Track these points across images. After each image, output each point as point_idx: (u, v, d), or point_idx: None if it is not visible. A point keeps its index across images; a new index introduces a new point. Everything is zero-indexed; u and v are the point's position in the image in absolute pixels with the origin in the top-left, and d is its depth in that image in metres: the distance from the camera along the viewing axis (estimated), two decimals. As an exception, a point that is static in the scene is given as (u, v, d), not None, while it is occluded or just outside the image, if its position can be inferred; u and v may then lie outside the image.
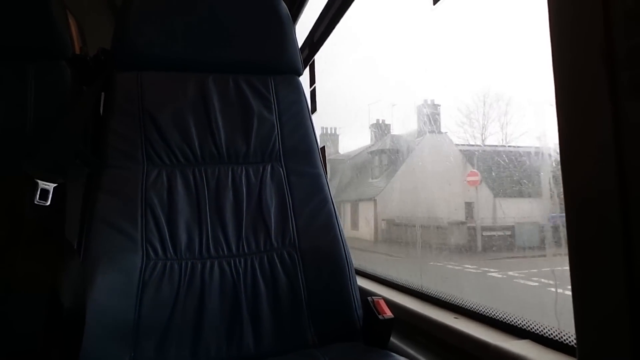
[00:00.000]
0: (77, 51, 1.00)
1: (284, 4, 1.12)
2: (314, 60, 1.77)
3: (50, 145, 0.83)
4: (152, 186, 0.92)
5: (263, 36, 1.08)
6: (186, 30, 1.02)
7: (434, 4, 0.99)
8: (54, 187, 0.80)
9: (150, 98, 0.98)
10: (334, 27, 1.51)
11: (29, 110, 0.90)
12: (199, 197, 0.95)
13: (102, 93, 0.99)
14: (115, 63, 0.99)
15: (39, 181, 0.79)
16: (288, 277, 0.93)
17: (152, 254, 0.87)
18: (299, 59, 1.12)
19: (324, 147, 1.45)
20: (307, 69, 1.80)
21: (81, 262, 0.79)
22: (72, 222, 0.85)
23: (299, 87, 1.11)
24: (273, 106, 1.06)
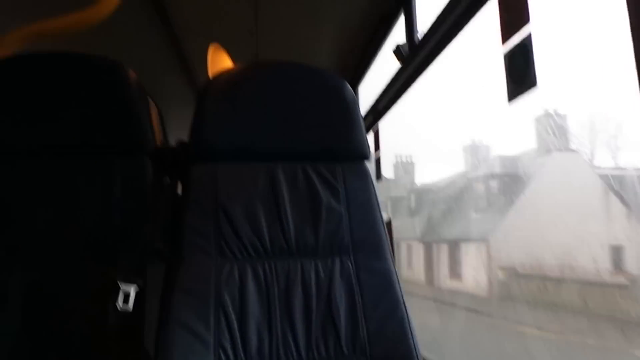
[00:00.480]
0: (159, 142, 1.05)
1: (349, 88, 1.12)
2: (378, 127, 1.76)
3: (132, 248, 0.87)
4: (224, 283, 0.93)
5: (330, 123, 1.08)
6: (257, 121, 1.05)
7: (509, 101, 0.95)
8: (135, 291, 0.83)
9: (224, 190, 1.00)
10: (400, 97, 1.49)
11: (114, 205, 0.95)
12: (269, 295, 0.94)
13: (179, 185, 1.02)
14: (191, 155, 1.03)
15: (121, 284, 0.82)
16: None
17: (222, 357, 0.87)
18: (366, 143, 1.11)
19: (389, 221, 1.41)
20: (372, 135, 1.80)
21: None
22: (151, 320, 0.87)
23: (366, 174, 1.09)
24: (341, 195, 1.05)
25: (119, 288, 0.82)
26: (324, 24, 1.66)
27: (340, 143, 1.08)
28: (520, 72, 0.86)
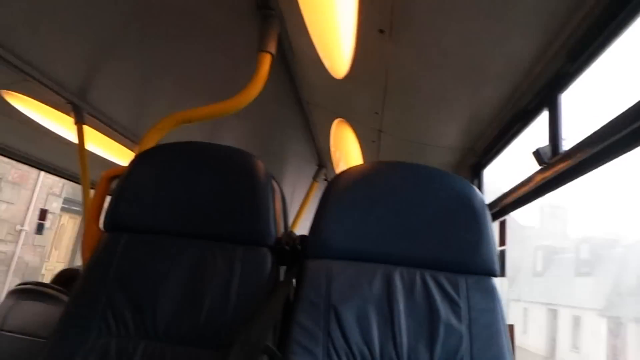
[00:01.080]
0: (280, 232, 1.07)
1: (479, 195, 1.05)
2: (504, 220, 1.62)
3: (244, 345, 0.87)
4: None
5: (457, 232, 1.01)
6: (380, 222, 1.02)
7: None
8: None
9: (337, 291, 0.97)
10: (536, 198, 1.36)
11: (232, 289, 0.98)
12: None
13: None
14: (308, 251, 1.03)
15: None
16: None
17: None
18: (496, 258, 1.01)
19: (512, 325, 1.25)
20: (497, 226, 1.65)
21: None
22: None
23: (494, 293, 0.98)
24: (462, 312, 0.96)
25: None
26: (454, 109, 1.61)
27: (466, 255, 1.00)
28: None
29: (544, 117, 1.27)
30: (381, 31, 1.19)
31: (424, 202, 1.03)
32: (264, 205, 1.04)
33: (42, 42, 1.62)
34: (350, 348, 0.92)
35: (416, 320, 0.95)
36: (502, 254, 1.62)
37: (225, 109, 1.30)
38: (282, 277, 1.05)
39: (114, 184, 1.14)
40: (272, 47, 1.29)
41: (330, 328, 0.94)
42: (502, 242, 1.62)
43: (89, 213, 1.13)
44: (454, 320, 0.95)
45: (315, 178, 2.85)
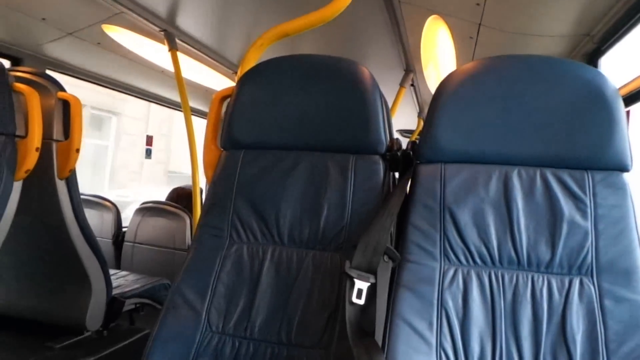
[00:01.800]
0: (389, 139, 1.08)
1: (611, 84, 0.95)
2: (628, 111, 1.46)
3: (366, 246, 0.93)
4: (448, 287, 0.93)
5: (584, 123, 0.94)
6: (494, 120, 0.98)
7: None
8: (367, 286, 0.90)
9: (451, 193, 0.98)
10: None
11: (348, 196, 1.04)
12: (494, 306, 0.91)
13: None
14: (420, 155, 1.03)
15: (356, 280, 0.90)
16: None
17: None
18: (629, 152, 0.94)
19: None
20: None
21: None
22: (380, 314, 0.94)
23: (624, 188, 0.93)
24: (589, 210, 0.92)
25: (353, 282, 0.90)
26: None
27: (594, 149, 0.94)
28: None
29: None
30: None
31: (546, 95, 0.96)
32: (375, 114, 1.05)
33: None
34: (467, 247, 0.95)
35: (536, 218, 0.94)
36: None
37: (321, 18, 1.27)
38: (395, 181, 1.08)
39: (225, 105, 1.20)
40: None
41: (446, 229, 0.96)
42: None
43: (207, 133, 1.21)
44: (578, 217, 0.92)
45: (402, 84, 2.75)
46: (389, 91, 2.91)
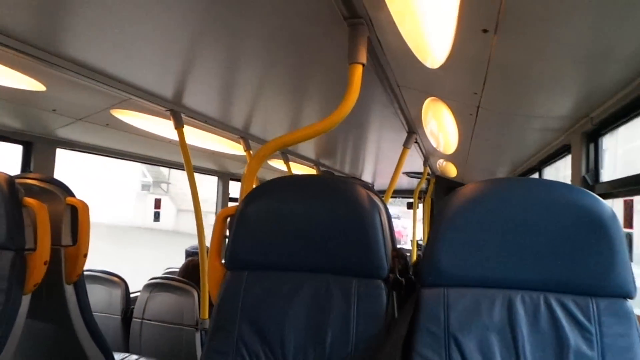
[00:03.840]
0: (392, 262, 1.09)
1: (608, 208, 0.95)
2: (632, 201, 1.47)
3: None
4: None
5: (584, 250, 0.94)
6: (497, 245, 0.98)
7: None
8: None
9: (455, 320, 0.97)
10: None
11: (352, 322, 1.04)
12: None
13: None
14: (423, 279, 1.03)
15: None
16: None
17: None
18: (632, 278, 0.93)
19: None
20: (622, 204, 1.51)
21: None
22: None
23: (629, 316, 0.92)
24: (594, 339, 0.91)
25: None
26: (565, 88, 1.44)
27: (596, 276, 0.94)
28: None
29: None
30: (485, 30, 1.08)
31: (546, 220, 0.97)
32: (375, 238, 1.06)
33: (134, 62, 1.72)
34: None
35: (542, 347, 0.93)
36: (629, 237, 1.49)
37: (322, 128, 1.30)
38: (396, 304, 1.08)
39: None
40: (363, 57, 1.24)
41: (452, 358, 0.96)
42: (629, 223, 1.49)
43: (211, 252, 1.23)
44: (584, 348, 0.91)
45: (405, 145, 2.78)
46: (394, 149, 2.96)
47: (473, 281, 1.00)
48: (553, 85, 1.47)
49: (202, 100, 2.26)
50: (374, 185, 5.81)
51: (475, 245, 0.99)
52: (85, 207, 1.46)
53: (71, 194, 1.48)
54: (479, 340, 0.95)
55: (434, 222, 1.04)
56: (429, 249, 1.03)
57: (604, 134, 1.67)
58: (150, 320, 2.31)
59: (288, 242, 1.11)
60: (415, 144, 3.03)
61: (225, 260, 1.17)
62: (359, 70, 1.26)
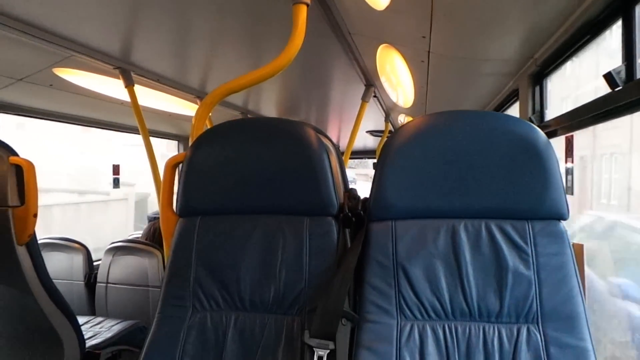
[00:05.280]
0: (342, 198, 1.11)
1: (543, 136, 1.00)
2: (572, 136, 1.54)
3: (323, 313, 0.97)
4: (405, 344, 0.98)
5: (521, 177, 0.99)
6: (441, 176, 1.02)
7: None
8: (327, 353, 0.94)
9: (403, 250, 1.02)
10: (605, 121, 1.27)
11: (305, 259, 1.07)
12: (450, 358, 0.96)
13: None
14: (371, 214, 1.07)
15: (315, 349, 0.94)
16: None
17: None
18: (564, 201, 0.99)
19: (581, 245, 1.26)
20: (564, 140, 1.59)
21: None
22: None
23: (562, 236, 0.98)
24: (530, 259, 0.98)
25: (312, 351, 0.94)
26: (509, 23, 1.47)
27: (532, 200, 0.99)
28: None
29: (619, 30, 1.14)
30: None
31: (485, 150, 1.00)
32: (323, 176, 1.07)
33: (76, 16, 1.63)
34: (421, 302, 0.99)
35: (484, 270, 0.99)
36: (570, 171, 1.57)
37: (269, 72, 1.28)
38: (348, 239, 1.12)
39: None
40: None
41: (400, 286, 1.01)
42: (569, 155, 1.56)
43: (162, 201, 1.22)
44: (521, 267, 0.98)
45: (364, 98, 2.79)
46: (354, 104, 2.96)
47: (419, 213, 1.04)
48: (497, 26, 1.50)
49: (153, 56, 2.18)
50: (339, 147, 5.83)
51: (420, 177, 1.03)
52: (30, 166, 1.41)
53: (15, 154, 1.42)
54: (426, 267, 1.01)
55: (380, 158, 1.07)
56: (376, 184, 1.06)
57: (547, 75, 1.73)
58: (114, 283, 2.30)
59: (239, 185, 1.12)
60: (375, 99, 3.04)
61: (176, 208, 1.17)
62: (303, 11, 1.24)
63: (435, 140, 1.03)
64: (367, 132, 4.96)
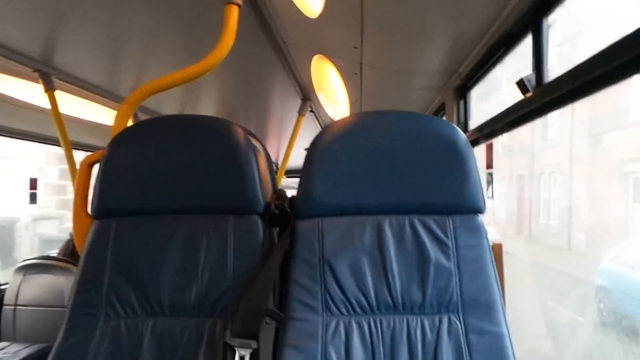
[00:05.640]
0: (269, 196, 1.09)
1: (462, 136, 1.05)
2: (491, 144, 1.63)
3: (246, 312, 0.93)
4: (331, 341, 0.96)
5: (442, 174, 1.03)
6: (366, 174, 1.03)
7: None
8: (249, 353, 0.90)
9: (329, 246, 1.01)
10: (520, 126, 1.36)
11: (229, 259, 1.02)
12: (375, 352, 0.95)
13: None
14: (298, 211, 1.05)
15: (237, 349, 0.89)
16: None
17: None
18: (481, 196, 1.04)
19: (500, 244, 1.32)
20: (484, 148, 1.68)
21: None
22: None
23: (480, 229, 1.03)
24: (451, 252, 1.01)
25: (234, 351, 0.89)
26: (435, 35, 1.55)
27: (452, 196, 1.03)
28: None
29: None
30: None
31: (409, 149, 1.03)
32: (249, 174, 1.05)
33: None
34: (347, 298, 0.98)
35: (407, 264, 1.00)
36: (490, 175, 1.66)
37: (199, 71, 1.25)
38: (276, 238, 1.09)
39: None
40: None
41: (326, 282, 0.99)
42: (490, 164, 1.65)
43: (75, 201, 1.13)
44: (443, 260, 1.00)
45: (300, 112, 2.81)
46: (292, 118, 2.97)
47: (345, 210, 1.04)
48: (424, 38, 1.57)
49: (77, 59, 2.06)
50: (277, 164, 5.81)
51: (346, 175, 1.03)
52: None
53: None
54: (352, 263, 1.00)
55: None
56: (303, 182, 1.05)
57: (470, 87, 1.84)
58: (25, 305, 2.09)
59: (161, 184, 1.06)
60: (312, 114, 3.07)
61: (91, 209, 1.08)
62: (234, 12, 1.23)
63: (362, 139, 1.04)
64: (305, 149, 4.99)
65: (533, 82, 1.18)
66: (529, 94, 1.19)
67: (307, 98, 2.73)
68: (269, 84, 2.48)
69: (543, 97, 1.13)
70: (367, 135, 1.04)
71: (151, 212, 1.06)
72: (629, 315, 4.14)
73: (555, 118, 7.81)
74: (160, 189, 1.06)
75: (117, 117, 1.25)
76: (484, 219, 1.05)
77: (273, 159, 5.75)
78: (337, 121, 1.08)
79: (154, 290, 1.01)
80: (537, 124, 8.31)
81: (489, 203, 1.10)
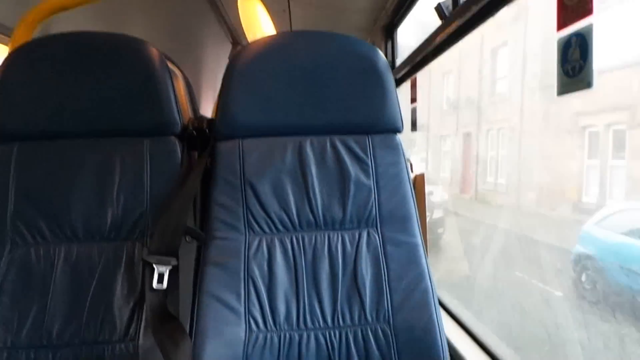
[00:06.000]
0: (187, 118, 1.05)
1: (382, 57, 1.06)
2: (415, 78, 1.67)
3: (164, 229, 0.91)
4: (253, 257, 0.97)
5: (361, 94, 1.04)
6: (286, 94, 1.02)
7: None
8: (169, 270, 0.89)
9: (251, 167, 1.01)
10: (440, 53, 1.39)
11: (146, 181, 0.99)
12: (297, 267, 0.98)
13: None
14: (218, 132, 1.03)
15: (156, 266, 0.88)
16: (382, 356, 0.93)
17: (254, 326, 0.93)
18: (399, 116, 1.07)
19: (422, 174, 1.38)
20: (409, 84, 1.72)
21: (192, 339, 0.88)
22: (185, 296, 0.93)
23: (398, 147, 1.06)
24: (370, 170, 1.04)
25: (152, 268, 0.88)
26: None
27: (371, 116, 1.05)
28: (573, 67, 0.76)
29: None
30: None
31: (330, 69, 1.03)
32: (164, 93, 1.00)
33: None
34: (269, 216, 0.99)
35: (329, 182, 1.02)
36: (414, 110, 1.71)
37: None
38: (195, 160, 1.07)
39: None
40: None
41: (248, 202, 0.99)
42: (414, 99, 1.70)
43: None
44: (362, 177, 1.03)
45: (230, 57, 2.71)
46: (224, 66, 2.86)
47: (266, 130, 1.03)
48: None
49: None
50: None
51: (265, 95, 1.02)
52: None
53: None
54: (273, 183, 1.01)
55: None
56: (221, 102, 1.03)
57: (397, 24, 1.85)
58: None
59: (66, 105, 0.99)
60: None
61: None
62: None
63: (282, 58, 1.02)
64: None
65: (450, 6, 1.21)
66: (447, 20, 1.22)
67: (238, 43, 2.64)
68: (200, 30, 2.36)
69: (460, 18, 1.16)
70: (287, 55, 1.02)
71: (58, 135, 0.99)
72: (622, 290, 3.38)
73: (506, 70, 7.37)
74: (68, 110, 0.99)
75: (14, 38, 1.13)
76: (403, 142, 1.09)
77: (210, 108, 5.54)
78: (256, 40, 1.05)
79: (65, 216, 0.96)
80: (486, 78, 7.84)
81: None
